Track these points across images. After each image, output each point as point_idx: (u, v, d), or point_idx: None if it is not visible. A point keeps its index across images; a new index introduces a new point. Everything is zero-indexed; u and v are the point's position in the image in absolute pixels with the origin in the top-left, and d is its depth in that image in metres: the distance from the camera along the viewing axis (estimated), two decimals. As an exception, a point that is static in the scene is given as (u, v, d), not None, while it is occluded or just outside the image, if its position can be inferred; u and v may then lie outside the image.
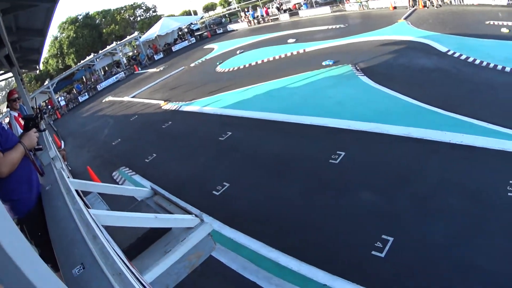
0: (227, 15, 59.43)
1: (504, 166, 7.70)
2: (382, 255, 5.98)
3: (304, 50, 22.68)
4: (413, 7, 27.88)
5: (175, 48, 47.03)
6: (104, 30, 63.69)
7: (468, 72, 13.27)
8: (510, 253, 5.49)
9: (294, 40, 25.94)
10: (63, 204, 2.91)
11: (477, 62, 13.84)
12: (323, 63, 17.90)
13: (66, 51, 59.64)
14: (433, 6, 26.81)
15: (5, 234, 1.26)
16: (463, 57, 14.68)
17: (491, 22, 19.07)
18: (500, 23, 18.59)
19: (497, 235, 5.88)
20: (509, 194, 6.66)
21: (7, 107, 7.71)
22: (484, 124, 9.29)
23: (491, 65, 13.27)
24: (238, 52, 29.00)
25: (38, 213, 3.07)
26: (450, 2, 26.42)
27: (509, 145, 8.24)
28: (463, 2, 25.62)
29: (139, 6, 70.23)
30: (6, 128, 2.98)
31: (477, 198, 6.77)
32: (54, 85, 42.48)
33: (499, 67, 12.96)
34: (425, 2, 27.24)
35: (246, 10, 49.51)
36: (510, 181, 6.94)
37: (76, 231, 2.41)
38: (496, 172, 7.48)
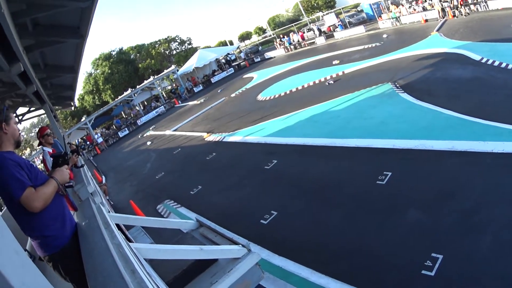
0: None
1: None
2: (432, 273, 5.79)
3: (343, 72, 22.76)
4: (443, 18, 28.31)
5: (214, 79, 47.73)
6: (140, 65, 64.19)
7: (503, 78, 13.19)
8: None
9: (338, 61, 26.04)
10: (101, 239, 2.86)
11: (510, 67, 13.84)
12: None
13: (102, 87, 59.96)
14: (461, 15, 27.28)
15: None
16: (496, 63, 14.71)
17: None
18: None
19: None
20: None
21: (39, 145, 7.74)
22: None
23: (524, 68, 13.35)
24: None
25: (72, 249, 3.03)
26: (477, 9, 26.81)
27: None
28: (488, 8, 26.02)
29: (174, 40, 70.42)
30: (34, 166, 2.93)
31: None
32: (92, 121, 43.52)
33: (531, 69, 12.97)
34: (454, 12, 27.72)
35: (282, 36, 50.02)
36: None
37: (113, 266, 2.30)
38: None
